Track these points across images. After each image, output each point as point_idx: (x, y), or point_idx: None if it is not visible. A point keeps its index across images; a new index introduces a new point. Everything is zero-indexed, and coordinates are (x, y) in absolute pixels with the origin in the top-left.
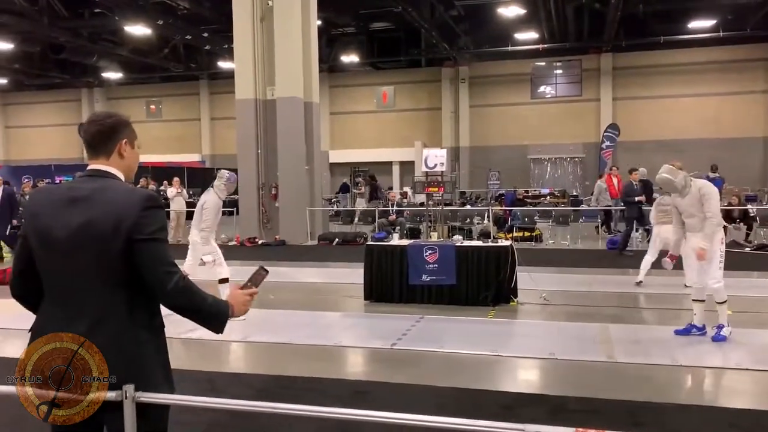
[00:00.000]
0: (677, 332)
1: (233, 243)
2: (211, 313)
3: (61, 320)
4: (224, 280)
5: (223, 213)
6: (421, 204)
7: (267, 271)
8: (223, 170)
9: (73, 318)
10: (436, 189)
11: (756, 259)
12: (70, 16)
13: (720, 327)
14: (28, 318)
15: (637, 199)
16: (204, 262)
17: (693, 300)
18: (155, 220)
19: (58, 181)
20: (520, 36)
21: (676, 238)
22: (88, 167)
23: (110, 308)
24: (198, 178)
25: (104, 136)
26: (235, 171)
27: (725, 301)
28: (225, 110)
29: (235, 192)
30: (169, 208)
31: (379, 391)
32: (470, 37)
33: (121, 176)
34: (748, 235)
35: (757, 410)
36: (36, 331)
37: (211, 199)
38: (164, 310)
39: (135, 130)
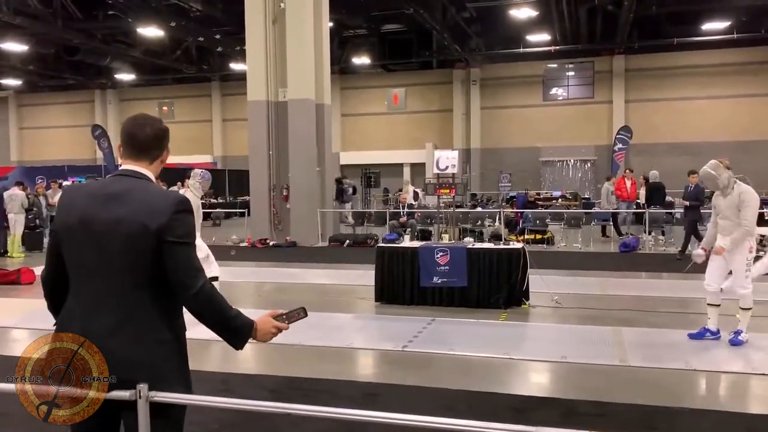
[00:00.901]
0: (691, 336)
1: (244, 244)
2: (234, 327)
3: (85, 316)
4: (214, 279)
5: (236, 214)
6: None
7: (306, 314)
8: (195, 169)
9: (98, 314)
10: (448, 191)
11: None
12: (84, 17)
13: (738, 332)
14: (30, 317)
15: (641, 202)
16: None
17: (708, 304)
18: (186, 223)
19: (70, 182)
20: (532, 38)
21: (712, 233)
22: (124, 167)
23: (135, 307)
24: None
25: (157, 140)
26: (246, 172)
27: (750, 308)
28: (237, 112)
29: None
30: None
31: (390, 393)
32: (482, 39)
33: (154, 180)
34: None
35: None
36: (60, 326)
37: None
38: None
39: None
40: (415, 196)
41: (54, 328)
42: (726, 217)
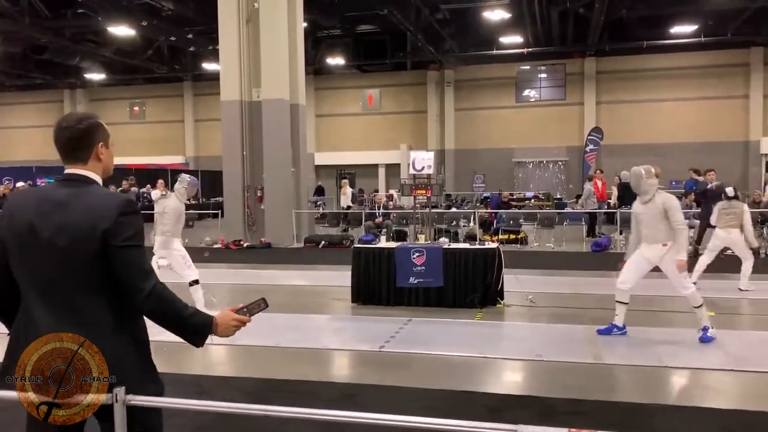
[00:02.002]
0: (599, 332)
1: (218, 246)
2: (191, 324)
3: (38, 323)
4: (195, 282)
5: (209, 216)
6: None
7: (267, 305)
8: (183, 174)
9: (51, 321)
10: (424, 191)
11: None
12: (52, 16)
13: (705, 329)
14: None
15: (612, 202)
16: (159, 266)
17: (617, 301)
18: (132, 225)
19: (39, 183)
20: (505, 40)
21: (634, 241)
22: (66, 171)
23: (88, 312)
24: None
25: (79, 142)
26: (220, 173)
27: (701, 305)
28: (209, 112)
29: (215, 195)
30: (153, 210)
31: (368, 394)
32: (456, 41)
33: (99, 179)
34: None
35: (745, 411)
36: (15, 334)
37: (170, 204)
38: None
39: (107, 128)
40: (353, 198)
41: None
42: (649, 225)
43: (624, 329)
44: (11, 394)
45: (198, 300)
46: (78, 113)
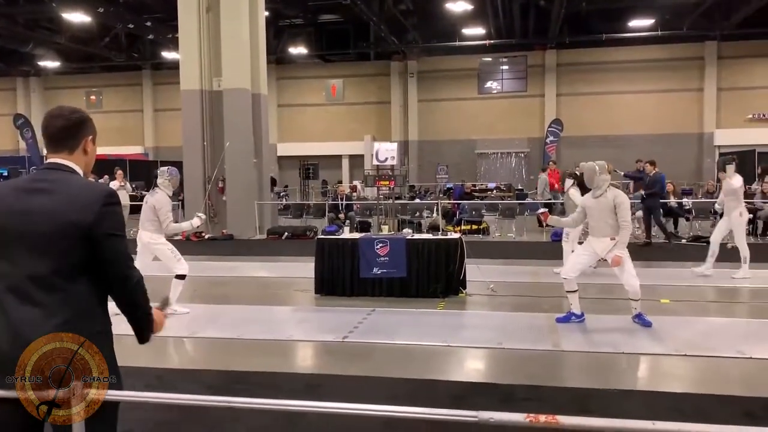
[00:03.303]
0: (558, 320)
1: (179, 237)
2: (151, 319)
3: (16, 312)
4: (181, 277)
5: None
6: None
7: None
8: (162, 167)
9: (29, 310)
10: (387, 182)
11: (693, 249)
12: (5, 1)
13: (639, 315)
14: None
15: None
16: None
17: (567, 291)
18: (117, 215)
19: None
20: (467, 31)
21: (569, 220)
22: (49, 160)
23: (65, 300)
24: (141, 171)
25: (71, 131)
26: (180, 164)
27: (639, 299)
28: (169, 101)
29: (180, 186)
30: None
31: (332, 384)
32: (419, 32)
33: (81, 171)
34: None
35: (696, 394)
36: None
37: (161, 198)
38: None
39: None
40: (273, 181)
41: None
42: (598, 219)
43: (582, 316)
44: None
45: (174, 295)
46: (69, 106)
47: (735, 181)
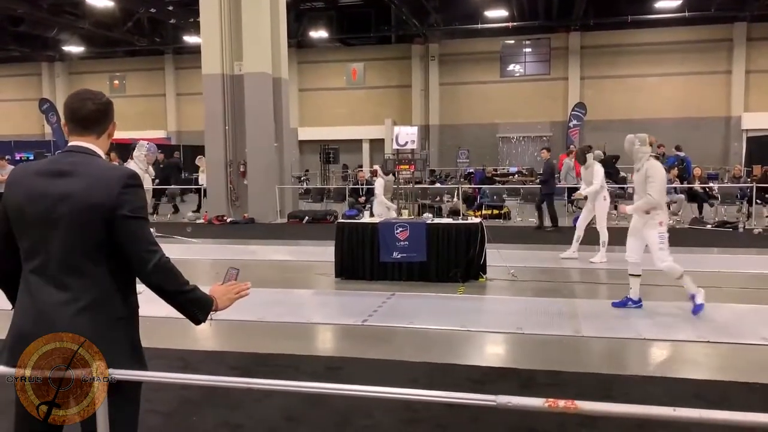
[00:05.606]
0: (614, 305)
1: (201, 221)
2: (194, 299)
3: (39, 295)
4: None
5: (192, 191)
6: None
7: (237, 270)
8: (142, 141)
9: (52, 293)
10: (407, 167)
11: (718, 235)
12: None
13: (692, 296)
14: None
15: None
16: None
17: (630, 274)
18: (137, 197)
19: (18, 158)
20: (489, 14)
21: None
22: (71, 143)
23: (89, 283)
24: (164, 155)
25: (101, 114)
26: (202, 148)
27: (682, 276)
28: (191, 86)
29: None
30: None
31: (351, 367)
32: (440, 15)
33: (102, 154)
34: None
35: (721, 381)
36: (18, 307)
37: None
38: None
39: None
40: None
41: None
42: (639, 192)
43: (640, 302)
44: (10, 370)
45: None
46: (91, 90)
47: (597, 168)
